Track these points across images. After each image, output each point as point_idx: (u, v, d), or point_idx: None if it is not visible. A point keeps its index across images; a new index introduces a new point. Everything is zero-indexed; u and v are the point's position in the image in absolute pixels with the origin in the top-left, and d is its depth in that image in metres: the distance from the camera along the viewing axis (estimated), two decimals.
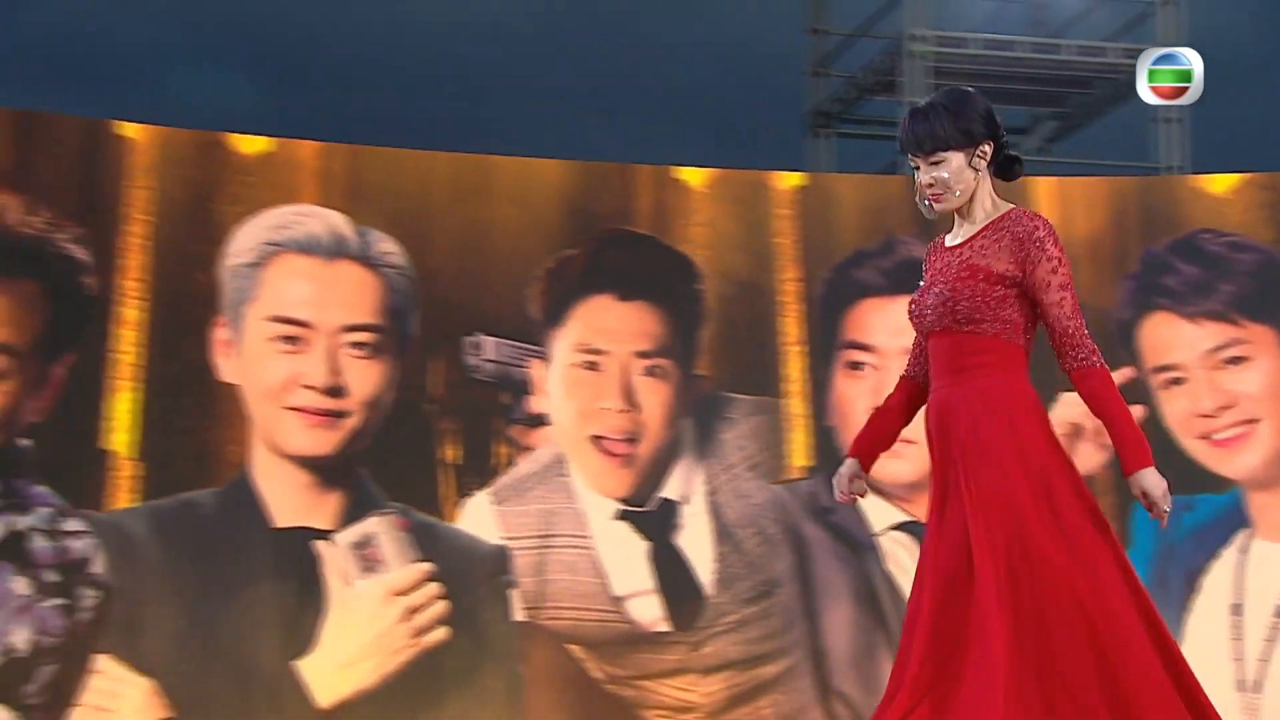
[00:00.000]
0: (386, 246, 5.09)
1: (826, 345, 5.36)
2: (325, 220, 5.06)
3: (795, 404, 5.35)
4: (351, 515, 4.92)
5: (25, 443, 4.65)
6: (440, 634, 4.89)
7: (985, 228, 2.75)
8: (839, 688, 5.12)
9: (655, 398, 5.22)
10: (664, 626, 5.11)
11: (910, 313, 2.83)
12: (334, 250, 5.03)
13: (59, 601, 4.61)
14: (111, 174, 4.92)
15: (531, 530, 5.10)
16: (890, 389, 5.31)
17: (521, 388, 5.19)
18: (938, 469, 2.78)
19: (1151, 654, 2.53)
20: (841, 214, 5.52)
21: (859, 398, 5.28)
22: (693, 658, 5.09)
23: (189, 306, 4.94)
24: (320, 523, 4.90)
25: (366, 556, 4.90)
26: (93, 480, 4.76)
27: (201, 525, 4.85)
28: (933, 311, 2.73)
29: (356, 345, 4.95)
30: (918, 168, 2.76)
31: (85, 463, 4.76)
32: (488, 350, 5.17)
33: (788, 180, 5.50)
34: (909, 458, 5.21)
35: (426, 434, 5.11)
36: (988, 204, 2.79)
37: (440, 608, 4.93)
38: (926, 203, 2.77)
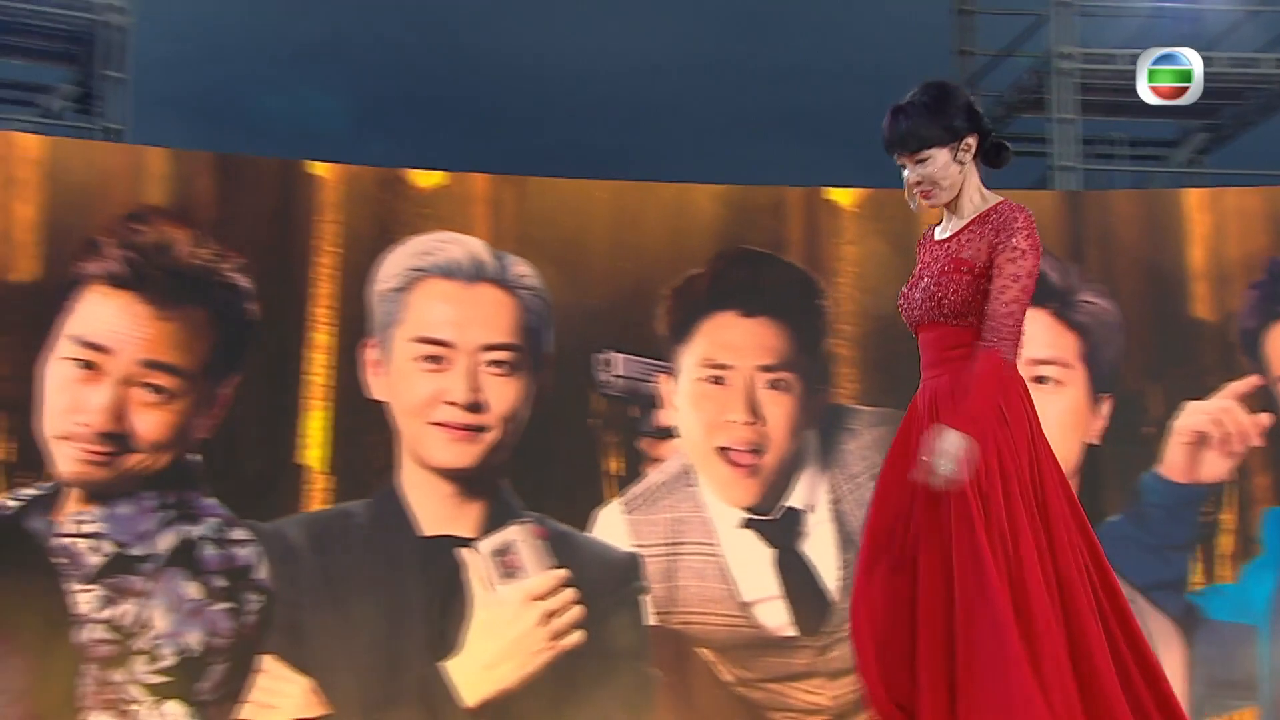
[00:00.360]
0: (522, 269, 5.27)
1: None
2: (465, 246, 5.26)
3: None
4: (492, 524, 5.08)
5: (195, 458, 4.91)
6: (576, 637, 5.00)
7: (972, 221, 2.70)
8: None
9: (779, 410, 5.27)
10: (791, 631, 5.15)
11: (900, 306, 2.77)
12: (473, 274, 5.22)
13: (227, 605, 4.85)
14: (304, 210, 5.19)
15: (661, 538, 5.20)
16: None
17: (650, 402, 5.30)
18: (901, 459, 2.69)
19: (1109, 645, 2.51)
20: None
21: None
22: (820, 662, 5.13)
23: None
24: (463, 531, 5.07)
25: (506, 563, 5.07)
26: (290, 492, 5.03)
27: (354, 533, 5.05)
28: (920, 305, 2.69)
29: (495, 363, 5.12)
30: (904, 166, 2.71)
31: (283, 476, 5.03)
32: (618, 367, 5.30)
33: None
34: None
35: (561, 446, 5.26)
36: (975, 197, 2.74)
37: (576, 612, 5.03)
38: (916, 200, 2.71)
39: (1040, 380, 5.30)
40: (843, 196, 5.44)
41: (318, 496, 5.05)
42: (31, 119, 7.54)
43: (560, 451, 5.24)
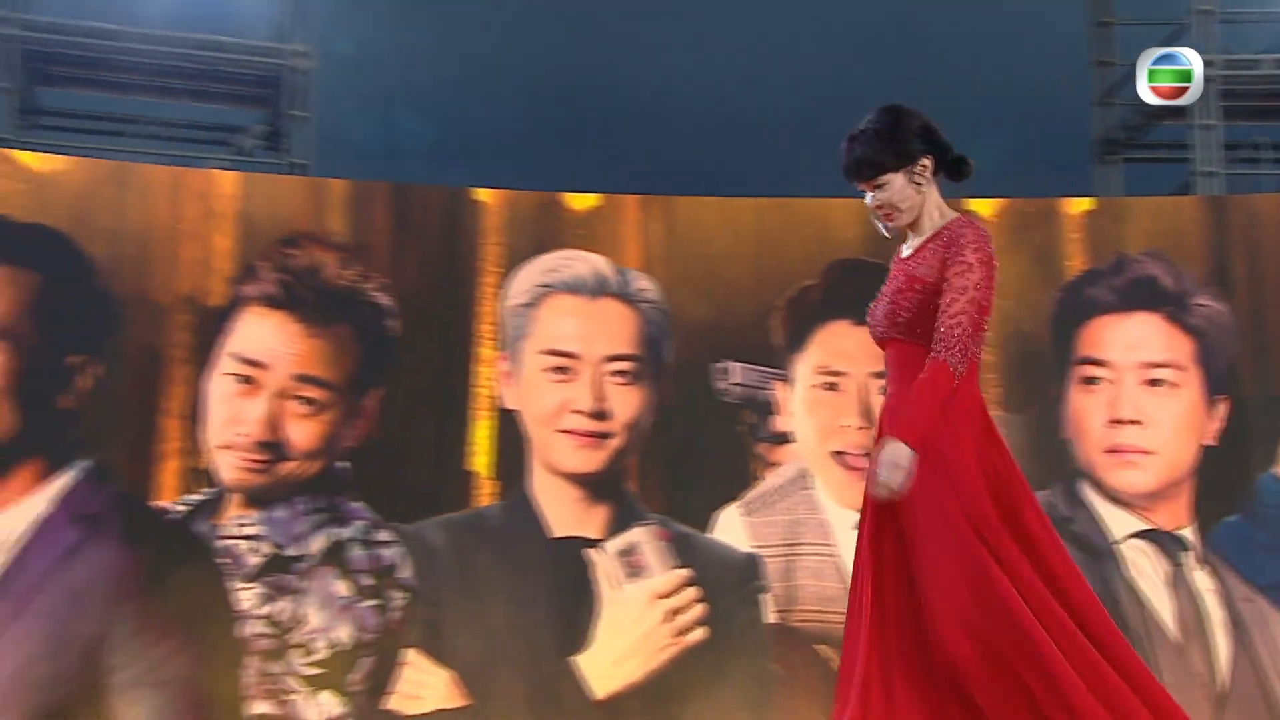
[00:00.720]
0: (643, 284, 5.39)
1: (1061, 361, 5.34)
2: (589, 263, 5.41)
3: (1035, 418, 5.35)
4: (617, 526, 5.17)
5: (343, 465, 5.09)
6: (699, 634, 5.06)
7: (929, 239, 2.66)
8: None
9: None
10: None
11: (867, 323, 2.76)
12: (597, 289, 5.35)
13: (373, 602, 5.00)
14: (469, 233, 5.39)
15: (779, 539, 5.23)
16: (1124, 404, 5.30)
17: (766, 408, 5.35)
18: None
19: (1093, 655, 2.44)
20: (1133, 235, 5.46)
21: (1094, 411, 5.22)
22: None
23: None
24: (590, 532, 5.17)
25: (631, 563, 5.17)
26: (460, 496, 5.21)
27: (489, 535, 5.18)
28: (881, 323, 2.69)
29: (618, 373, 5.25)
30: (865, 192, 2.68)
31: (454, 482, 5.21)
32: (735, 375, 5.38)
33: (1077, 205, 5.51)
34: (1147, 467, 5.20)
35: (682, 452, 5.33)
36: (935, 215, 2.70)
37: (699, 610, 5.10)
38: (880, 223, 2.69)
39: (1155, 383, 5.24)
40: (982, 206, 5.42)
41: (485, 500, 5.23)
42: (227, 157, 8.07)
43: (681, 457, 5.32)
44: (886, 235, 2.73)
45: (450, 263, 5.38)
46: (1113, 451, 5.20)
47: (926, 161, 2.65)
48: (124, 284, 5.11)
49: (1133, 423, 5.19)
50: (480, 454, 5.25)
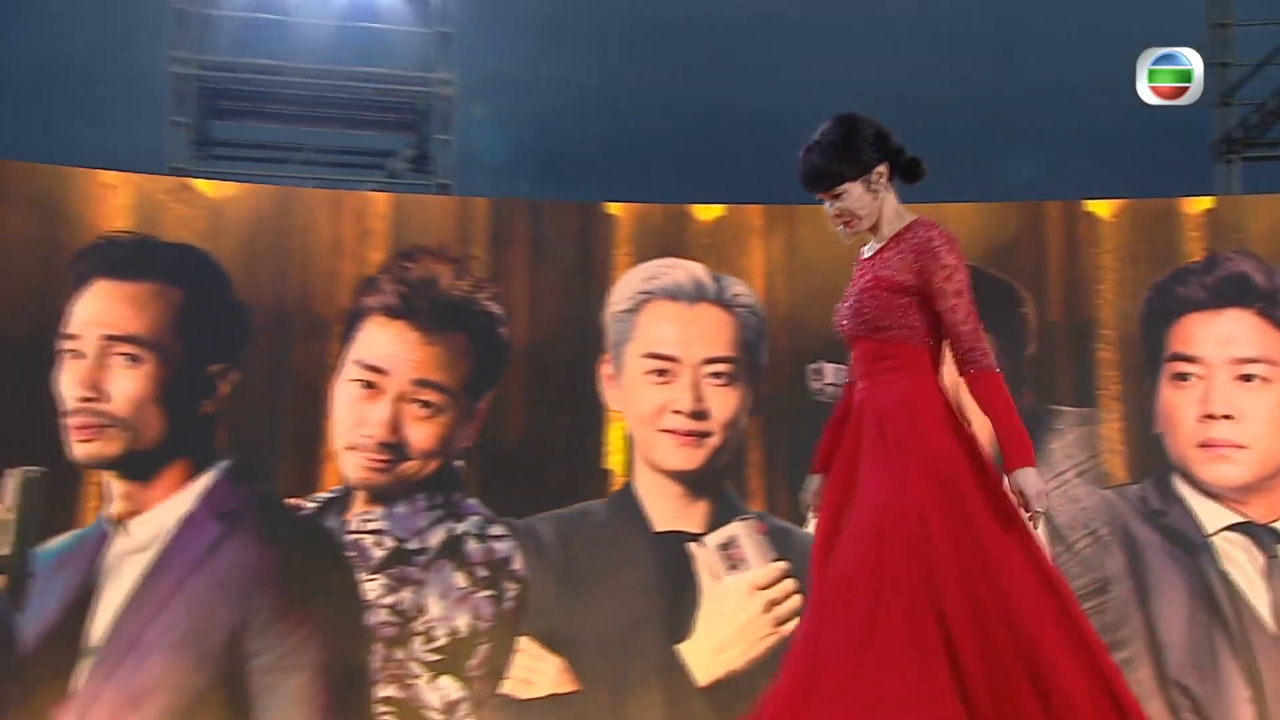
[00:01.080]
0: (739, 290, 5.51)
1: (1153, 358, 5.31)
2: (688, 270, 5.53)
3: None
4: (717, 520, 5.26)
5: (458, 464, 5.28)
6: (796, 623, 5.19)
7: (890, 241, 2.69)
8: (1177, 678, 5.04)
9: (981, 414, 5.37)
10: None
11: (834, 322, 2.76)
12: (695, 295, 5.46)
13: (489, 593, 5.16)
14: (602, 245, 5.58)
15: None
16: (1216, 399, 5.29)
17: None
18: (846, 466, 2.64)
19: (1064, 649, 2.40)
20: (1253, 232, 5.42)
21: (1186, 407, 5.21)
22: None
23: None
24: (691, 527, 5.28)
25: (731, 556, 5.26)
26: (596, 493, 5.38)
27: (595, 529, 5.30)
28: (848, 321, 2.69)
29: (715, 375, 5.36)
30: (823, 200, 2.70)
31: (590, 479, 5.39)
32: (828, 375, 5.46)
33: (1197, 205, 5.48)
34: (1240, 461, 5.17)
35: (777, 449, 5.42)
36: (893, 217, 2.72)
37: (796, 600, 5.16)
38: (840, 231, 2.72)
39: (1247, 379, 5.20)
40: (1101, 208, 5.44)
41: None
42: (380, 180, 8.62)
43: (777, 453, 5.41)
44: (846, 241, 2.76)
45: (584, 272, 5.57)
46: (1205, 446, 5.17)
47: (882, 169, 2.69)
48: (288, 298, 5.39)
49: (1225, 418, 5.16)
50: (615, 453, 5.42)
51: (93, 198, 5.28)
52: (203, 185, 5.61)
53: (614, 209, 5.63)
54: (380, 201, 5.76)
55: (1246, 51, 9.91)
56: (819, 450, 2.80)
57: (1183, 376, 5.24)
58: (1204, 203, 5.48)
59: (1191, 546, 5.14)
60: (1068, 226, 5.44)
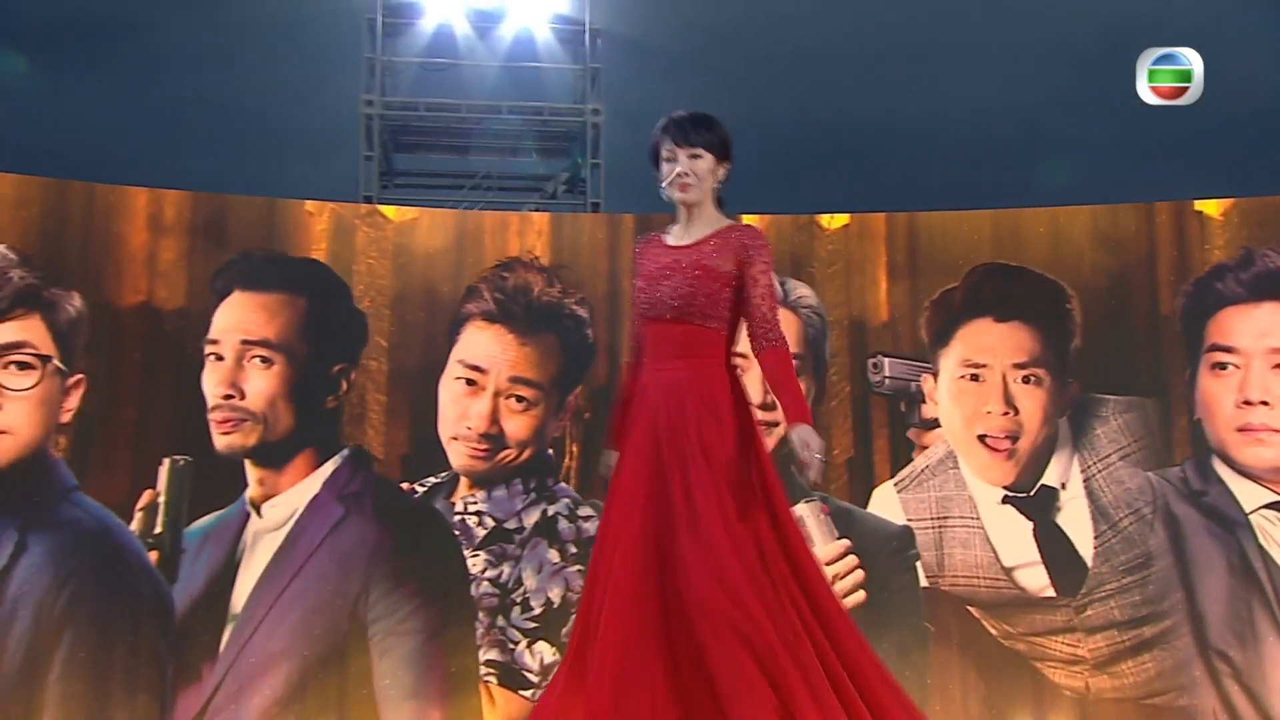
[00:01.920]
0: (802, 292, 5.75)
1: (1193, 349, 5.43)
2: None
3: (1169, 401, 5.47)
4: None
5: (550, 452, 5.62)
6: (859, 597, 5.27)
7: (712, 235, 2.82)
8: (1218, 646, 5.15)
9: (1032, 402, 5.47)
10: (1050, 592, 5.30)
11: (639, 301, 2.82)
12: None
13: (578, 567, 5.42)
14: None
15: (929, 513, 5.45)
16: (1253, 386, 5.42)
17: (915, 398, 5.60)
18: (649, 441, 2.72)
19: (864, 651, 2.66)
20: None
21: (1225, 394, 5.32)
22: (1078, 619, 5.26)
23: None
24: None
25: None
26: None
27: None
28: (668, 304, 2.78)
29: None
30: (673, 159, 2.82)
31: None
32: (886, 369, 5.67)
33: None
34: (1276, 444, 5.28)
35: (841, 437, 5.60)
36: (712, 213, 2.85)
37: (859, 576, 5.31)
38: (674, 189, 2.84)
39: None
40: (1211, 207, 5.50)
41: None
42: (539, 201, 9.27)
43: (839, 441, 5.61)
44: (666, 196, 2.90)
45: None
46: (1243, 430, 5.28)
47: (725, 169, 2.89)
48: (449, 309, 5.69)
49: (1262, 404, 5.25)
50: None
51: (298, 224, 5.67)
52: (389, 210, 5.96)
53: (747, 220, 5.88)
54: (540, 220, 6.11)
55: None
56: (612, 429, 2.94)
57: (1222, 366, 5.35)
58: None
59: (1230, 524, 5.23)
60: (1177, 225, 5.50)
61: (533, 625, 5.46)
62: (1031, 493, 5.42)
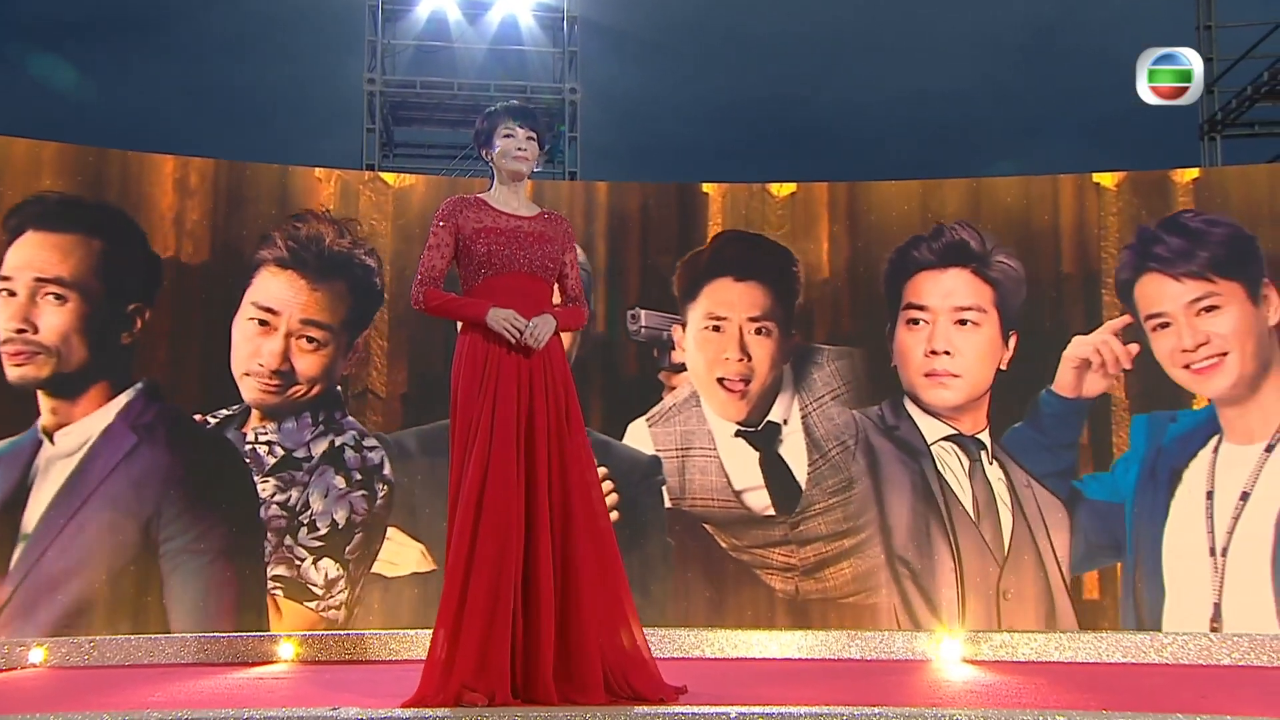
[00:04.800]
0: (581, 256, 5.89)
1: (893, 307, 5.76)
2: None
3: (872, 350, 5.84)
4: None
5: (338, 389, 5.55)
6: (614, 516, 5.35)
7: (541, 214, 3.18)
8: (901, 554, 5.55)
9: (762, 350, 5.72)
10: (771, 512, 5.56)
11: (495, 249, 3.05)
12: None
13: (362, 492, 5.45)
14: (699, 218, 5.86)
15: (675, 445, 5.65)
16: (938, 339, 5.81)
17: (667, 345, 5.76)
18: (510, 383, 3.00)
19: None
20: (1233, 199, 5.56)
21: (916, 345, 5.68)
22: (793, 534, 5.55)
23: None
24: None
25: None
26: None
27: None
28: (527, 261, 3.10)
29: None
30: (513, 134, 3.09)
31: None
32: (642, 320, 5.77)
33: (1186, 175, 5.65)
34: (955, 387, 5.69)
35: (603, 378, 5.75)
36: (530, 196, 3.19)
37: (614, 498, 5.47)
38: (514, 159, 3.12)
39: (962, 323, 5.65)
40: (1106, 179, 5.65)
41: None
42: None
43: (602, 383, 5.76)
44: (510, 165, 3.19)
45: (685, 243, 5.87)
46: (929, 375, 5.67)
47: (539, 157, 3.26)
48: None
49: (945, 353, 5.64)
50: None
51: (308, 189, 5.67)
52: (388, 177, 5.90)
53: (707, 188, 5.95)
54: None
55: (1227, 48, 10.51)
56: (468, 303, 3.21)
57: (914, 321, 5.72)
58: (1191, 173, 5.65)
59: (916, 453, 5.63)
60: (1078, 195, 5.67)
61: (318, 544, 5.45)
62: (759, 427, 5.69)
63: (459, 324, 3.23)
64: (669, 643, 5.07)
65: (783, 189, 5.88)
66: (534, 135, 3.14)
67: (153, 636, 4.99)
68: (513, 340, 2.96)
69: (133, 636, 4.99)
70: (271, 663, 4.87)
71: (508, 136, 3.04)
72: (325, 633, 5.16)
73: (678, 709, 2.86)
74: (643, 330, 5.80)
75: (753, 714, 2.68)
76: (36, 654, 4.84)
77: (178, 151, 5.62)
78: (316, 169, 5.81)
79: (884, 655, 5.02)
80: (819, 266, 5.86)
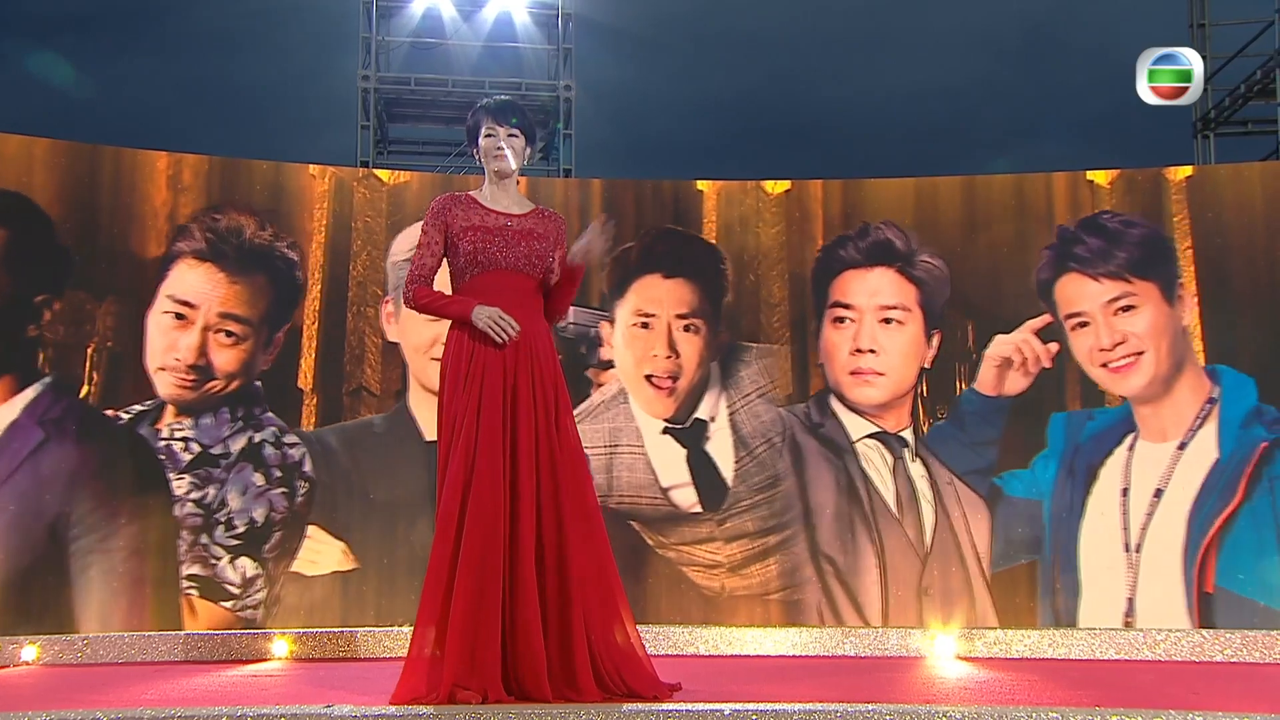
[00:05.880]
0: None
1: (819, 305, 5.70)
2: None
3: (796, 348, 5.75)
4: None
5: (258, 384, 5.36)
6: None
7: (533, 212, 3.12)
8: (826, 551, 5.50)
9: (690, 347, 5.64)
10: (697, 509, 5.49)
11: (480, 246, 3.02)
12: None
13: (282, 490, 5.28)
14: (694, 214, 5.75)
15: (603, 441, 5.56)
16: (864, 337, 5.73)
17: (595, 342, 5.67)
18: (495, 379, 2.98)
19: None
20: (1226, 197, 5.51)
21: (842, 343, 5.64)
22: (718, 530, 5.48)
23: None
24: None
25: None
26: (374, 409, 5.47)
27: (375, 438, 5.42)
28: (518, 259, 3.05)
29: None
30: (494, 134, 3.04)
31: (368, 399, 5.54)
32: (570, 316, 5.60)
33: (1179, 173, 5.60)
34: (879, 385, 5.65)
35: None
36: (520, 191, 3.11)
37: None
38: (494, 159, 3.07)
39: (887, 321, 5.62)
40: (1100, 176, 5.60)
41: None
42: None
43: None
44: (493, 168, 3.14)
45: (682, 238, 5.77)
46: (854, 373, 5.62)
47: (531, 151, 3.17)
48: None
49: (870, 351, 5.61)
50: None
51: (303, 186, 5.53)
52: (383, 174, 5.77)
53: (701, 185, 5.85)
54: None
55: (1219, 46, 10.47)
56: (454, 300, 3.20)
57: (841, 319, 5.69)
58: (1184, 171, 5.60)
59: (840, 450, 5.58)
60: (1072, 192, 5.60)
61: (236, 542, 5.26)
62: (686, 424, 5.61)
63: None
64: (663, 639, 5.02)
65: (777, 186, 5.82)
66: (517, 133, 3.11)
67: (146, 634, 4.87)
68: (497, 339, 2.93)
69: (125, 634, 4.86)
70: (265, 660, 4.81)
71: (488, 136, 3.05)
72: (319, 630, 5.03)
73: (672, 706, 2.84)
74: (571, 327, 5.67)
75: (747, 711, 2.66)
76: (29, 651, 4.67)
77: (171, 147, 5.50)
78: (310, 166, 5.67)
79: (878, 652, 5.00)
80: (812, 263, 5.77)
